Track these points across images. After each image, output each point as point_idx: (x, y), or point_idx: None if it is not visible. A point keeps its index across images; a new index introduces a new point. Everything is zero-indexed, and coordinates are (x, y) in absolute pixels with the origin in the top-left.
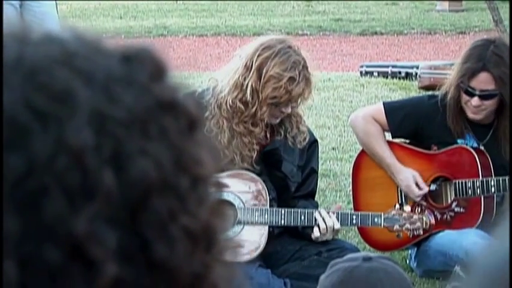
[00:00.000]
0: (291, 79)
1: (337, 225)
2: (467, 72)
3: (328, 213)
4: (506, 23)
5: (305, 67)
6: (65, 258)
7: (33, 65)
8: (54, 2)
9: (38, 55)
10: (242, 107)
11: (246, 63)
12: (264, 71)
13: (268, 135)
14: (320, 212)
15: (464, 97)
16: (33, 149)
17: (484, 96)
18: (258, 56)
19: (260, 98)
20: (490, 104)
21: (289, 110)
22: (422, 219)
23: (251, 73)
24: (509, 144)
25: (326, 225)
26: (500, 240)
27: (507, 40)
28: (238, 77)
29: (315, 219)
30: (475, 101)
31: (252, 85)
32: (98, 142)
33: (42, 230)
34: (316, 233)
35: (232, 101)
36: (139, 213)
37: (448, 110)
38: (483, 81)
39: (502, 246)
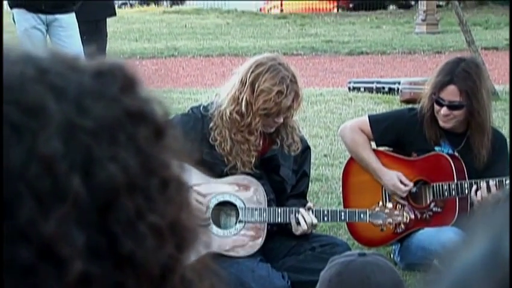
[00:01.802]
0: (279, 92)
1: (314, 221)
2: (438, 85)
3: (306, 211)
4: (478, 43)
5: (293, 82)
6: (36, 258)
7: (9, 82)
8: (77, 26)
9: (13, 73)
10: (238, 118)
11: (242, 79)
12: (256, 86)
13: (262, 143)
14: (300, 212)
15: (436, 107)
16: (8, 159)
17: (452, 106)
18: (251, 73)
19: (253, 109)
20: (458, 114)
21: (281, 120)
22: (403, 214)
23: (245, 88)
24: (509, 145)
25: (306, 223)
26: (473, 244)
27: (478, 59)
28: (235, 92)
29: (297, 219)
30: (444, 110)
31: (246, 98)
32: (68, 150)
33: (15, 233)
34: (295, 231)
35: (230, 113)
36: (108, 213)
37: (424, 119)
38: (451, 93)
39: (475, 248)
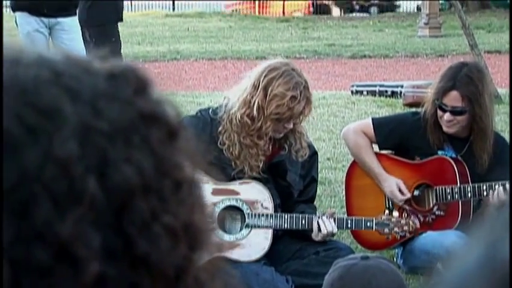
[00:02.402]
0: (293, 98)
1: (335, 230)
2: (440, 91)
3: (328, 219)
4: (481, 47)
5: (306, 88)
6: (53, 259)
7: (24, 84)
8: (79, 29)
9: (28, 76)
10: (249, 121)
11: (254, 82)
12: (270, 90)
13: (271, 148)
14: (322, 219)
15: (439, 112)
16: (24, 161)
17: (455, 112)
18: (265, 77)
19: (265, 114)
20: (461, 119)
21: (291, 126)
22: (409, 223)
23: (258, 91)
24: (509, 147)
25: (326, 230)
26: (472, 247)
27: (481, 63)
28: (247, 95)
29: (318, 225)
30: (447, 116)
31: (258, 102)
32: (83, 152)
33: (32, 234)
34: (316, 236)
35: (240, 116)
36: (123, 215)
37: (427, 124)
38: (453, 98)
39: (471, 254)
